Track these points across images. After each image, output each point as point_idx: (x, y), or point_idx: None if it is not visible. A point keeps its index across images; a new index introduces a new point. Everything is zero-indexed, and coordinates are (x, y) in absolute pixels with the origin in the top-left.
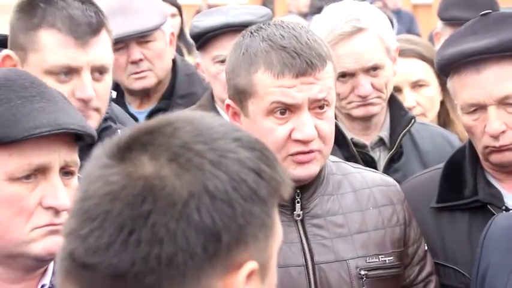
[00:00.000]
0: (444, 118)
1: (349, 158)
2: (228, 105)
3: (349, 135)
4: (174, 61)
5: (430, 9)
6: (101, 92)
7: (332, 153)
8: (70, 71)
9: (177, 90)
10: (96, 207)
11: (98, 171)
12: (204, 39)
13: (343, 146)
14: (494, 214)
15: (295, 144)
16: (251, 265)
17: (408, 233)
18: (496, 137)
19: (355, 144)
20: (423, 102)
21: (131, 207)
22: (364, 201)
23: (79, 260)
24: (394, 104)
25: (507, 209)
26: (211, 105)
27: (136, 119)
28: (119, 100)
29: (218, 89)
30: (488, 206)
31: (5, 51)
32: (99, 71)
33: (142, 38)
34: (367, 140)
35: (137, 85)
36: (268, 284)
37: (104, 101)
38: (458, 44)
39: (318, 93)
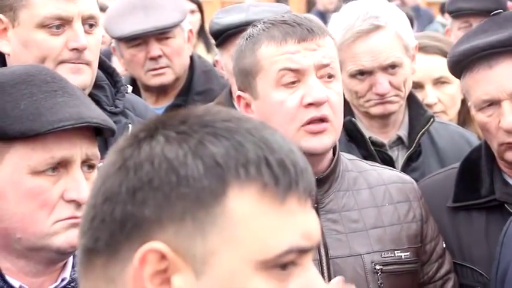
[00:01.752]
0: (464, 116)
1: (367, 156)
2: (238, 97)
3: (367, 133)
4: (191, 58)
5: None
6: (92, 45)
7: (350, 152)
8: (62, 23)
9: (194, 87)
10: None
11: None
12: (224, 36)
13: (361, 145)
14: (511, 213)
15: (307, 110)
16: (156, 245)
17: (425, 230)
18: (510, 132)
19: (373, 143)
20: (444, 99)
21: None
22: (380, 197)
23: (84, 248)
24: (412, 102)
25: None
26: (229, 103)
27: None
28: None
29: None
30: (505, 205)
31: None
32: (89, 23)
33: (161, 34)
34: (385, 138)
35: (155, 81)
36: (211, 285)
37: (95, 55)
38: (470, 41)
39: (322, 59)
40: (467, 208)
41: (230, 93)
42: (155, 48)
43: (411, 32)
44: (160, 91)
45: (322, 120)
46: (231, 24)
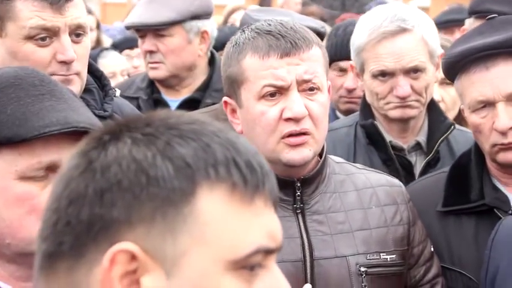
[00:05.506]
0: (460, 120)
1: (387, 160)
2: (225, 102)
3: (386, 137)
4: (213, 56)
5: (428, 12)
6: (80, 54)
7: (370, 156)
8: (48, 34)
9: (213, 84)
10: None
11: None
12: None
13: (381, 148)
14: (500, 218)
15: (287, 123)
16: (126, 245)
17: (413, 233)
18: (504, 134)
19: (393, 147)
20: (447, 100)
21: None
22: (367, 200)
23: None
24: (433, 109)
25: None
26: None
27: (167, 105)
28: (153, 86)
29: None
30: (495, 210)
31: None
32: (76, 33)
33: (158, 31)
34: (404, 143)
35: (150, 74)
36: (181, 285)
37: (84, 64)
38: (466, 42)
39: (303, 74)
40: (457, 212)
41: None
42: (149, 43)
43: (438, 39)
44: (161, 84)
45: (302, 133)
46: None
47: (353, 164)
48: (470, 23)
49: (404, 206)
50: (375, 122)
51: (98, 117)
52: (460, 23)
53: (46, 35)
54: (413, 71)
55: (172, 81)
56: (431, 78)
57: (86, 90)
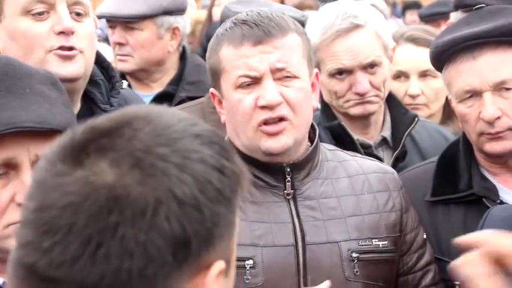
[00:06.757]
0: (449, 111)
1: None
2: (212, 94)
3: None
4: (184, 51)
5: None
6: (82, 32)
7: None
8: (45, 8)
9: (185, 77)
10: (57, 219)
11: (54, 179)
12: None
13: (349, 148)
14: (489, 207)
15: (262, 111)
16: (220, 265)
17: (405, 220)
18: (491, 123)
19: (360, 145)
20: (428, 92)
21: (97, 220)
22: (359, 186)
23: (41, 273)
24: (393, 102)
25: (502, 203)
26: None
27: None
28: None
29: None
30: (484, 199)
31: None
32: (75, 11)
33: (128, 23)
34: (368, 140)
35: (118, 66)
36: (231, 276)
37: (89, 44)
38: (453, 32)
39: (276, 62)
40: (446, 202)
41: None
42: (118, 35)
43: (389, 32)
44: (131, 77)
45: (280, 119)
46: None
47: (345, 151)
48: (457, 16)
49: (397, 192)
50: (342, 123)
51: (104, 112)
52: (446, 15)
53: (43, 10)
54: (371, 67)
55: (140, 75)
56: (388, 71)
57: (93, 82)
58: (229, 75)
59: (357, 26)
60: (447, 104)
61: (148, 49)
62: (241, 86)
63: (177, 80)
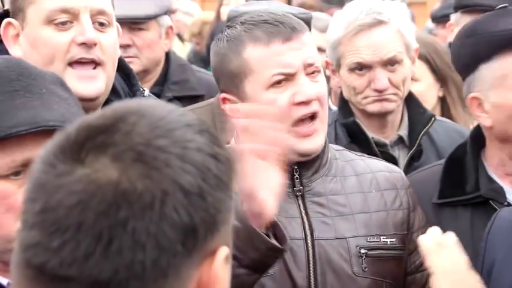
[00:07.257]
0: (446, 114)
1: None
2: (224, 99)
3: (368, 134)
4: (167, 52)
5: (424, 6)
6: (105, 43)
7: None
8: (69, 18)
9: (170, 77)
10: (65, 218)
11: (55, 180)
12: None
13: (364, 146)
14: (496, 210)
15: (298, 108)
16: (224, 250)
17: (412, 218)
18: None
19: (376, 143)
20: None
21: (106, 216)
22: (367, 184)
23: (51, 272)
24: (411, 102)
25: (509, 205)
26: None
27: None
28: None
29: None
30: (491, 201)
31: (6, 19)
32: (99, 20)
33: (134, 24)
34: (384, 139)
35: None
36: (230, 261)
37: (110, 57)
38: (501, 20)
39: (307, 58)
40: (453, 204)
41: None
42: (125, 37)
43: (413, 33)
44: None
45: (312, 117)
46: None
47: (352, 151)
48: (457, 18)
49: (404, 191)
50: (357, 120)
51: None
52: None
53: (66, 20)
54: (391, 64)
55: (140, 76)
56: (408, 71)
57: (113, 91)
58: (259, 75)
59: (380, 22)
60: (443, 107)
61: (153, 49)
62: (273, 85)
63: (162, 81)
